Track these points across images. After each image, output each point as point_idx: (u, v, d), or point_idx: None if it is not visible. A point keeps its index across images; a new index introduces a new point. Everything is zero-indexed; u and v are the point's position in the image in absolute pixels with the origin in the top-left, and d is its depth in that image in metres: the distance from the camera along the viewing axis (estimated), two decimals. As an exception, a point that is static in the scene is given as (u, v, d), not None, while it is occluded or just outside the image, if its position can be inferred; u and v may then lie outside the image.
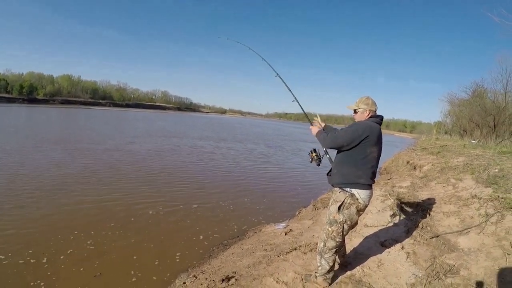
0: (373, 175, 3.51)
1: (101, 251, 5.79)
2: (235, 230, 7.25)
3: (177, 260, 5.72)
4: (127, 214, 7.54)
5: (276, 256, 4.88)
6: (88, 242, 6.04)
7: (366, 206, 3.53)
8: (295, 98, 4.78)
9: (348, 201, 3.41)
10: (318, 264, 3.72)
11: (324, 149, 3.93)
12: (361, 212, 3.54)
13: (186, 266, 5.49)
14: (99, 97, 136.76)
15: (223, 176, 12.69)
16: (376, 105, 3.57)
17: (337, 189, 3.52)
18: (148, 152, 16.86)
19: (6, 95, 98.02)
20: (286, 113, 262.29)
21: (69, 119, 42.49)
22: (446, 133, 23.67)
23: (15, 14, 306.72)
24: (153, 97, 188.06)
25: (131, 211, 7.71)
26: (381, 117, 3.61)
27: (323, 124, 4.06)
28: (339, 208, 3.44)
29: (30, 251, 5.53)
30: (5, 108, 54.86)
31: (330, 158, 3.89)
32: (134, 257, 5.66)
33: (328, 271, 3.68)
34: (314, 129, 3.88)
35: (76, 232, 6.40)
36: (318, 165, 3.99)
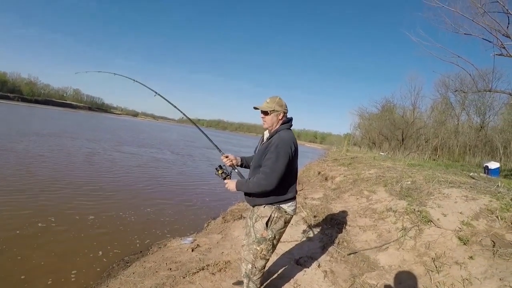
0: (296, 183, 3.21)
1: None
2: (137, 245, 6.56)
3: (73, 280, 4.99)
4: (11, 226, 6.57)
5: (181, 277, 4.38)
6: None
7: (292, 217, 3.20)
8: (184, 114, 4.43)
9: (276, 215, 3.06)
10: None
11: (229, 164, 3.50)
12: (287, 224, 3.19)
13: (81, 287, 4.81)
14: (8, 90, 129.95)
15: (123, 184, 11.69)
16: (287, 107, 3.22)
17: (260, 205, 3.14)
18: (39, 155, 15.21)
19: None
20: (199, 119, 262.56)
21: None
22: (355, 144, 24.66)
23: None
24: (64, 95, 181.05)
25: (15, 224, 6.70)
26: (292, 120, 3.27)
27: (238, 159, 3.58)
28: (266, 224, 3.06)
29: None
30: None
31: (240, 173, 3.46)
32: (22, 277, 4.86)
33: None
34: (231, 184, 3.24)
35: None
36: None
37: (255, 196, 3.13)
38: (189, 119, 4.30)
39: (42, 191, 9.07)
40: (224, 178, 3.38)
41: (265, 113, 3.16)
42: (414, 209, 5.46)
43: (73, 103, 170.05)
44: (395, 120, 22.98)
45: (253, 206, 3.24)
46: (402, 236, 4.76)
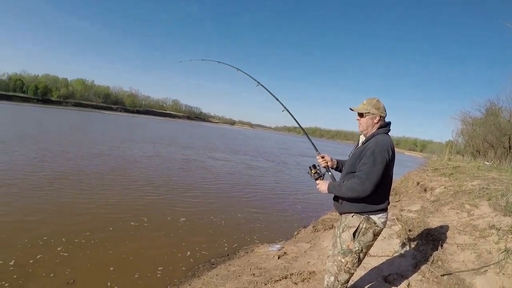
0: (389, 193, 3.00)
1: (75, 259, 5.39)
2: (225, 248, 6.68)
3: (158, 276, 5.26)
4: (105, 223, 7.07)
5: (263, 284, 4.34)
6: (59, 249, 5.63)
7: (382, 229, 2.98)
8: (285, 107, 4.14)
9: (364, 226, 2.88)
10: None
11: (324, 165, 3.33)
12: (376, 237, 2.98)
13: (166, 283, 5.04)
14: (111, 102, 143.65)
15: (215, 189, 12.00)
16: (386, 111, 2.98)
17: (348, 214, 2.97)
18: (138, 158, 16.52)
19: (21, 95, 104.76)
20: (295, 127, 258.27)
21: (84, 122, 43.13)
22: (458, 153, 22.95)
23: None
24: (164, 105, 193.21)
25: (110, 221, 7.22)
26: (390, 124, 3.03)
27: (334, 161, 3.42)
28: (354, 235, 2.89)
29: (-4, 251, 5.25)
30: (18, 107, 57.45)
31: (333, 176, 3.28)
32: (111, 269, 5.23)
33: None
34: (323, 185, 3.12)
35: (45, 238, 5.99)
36: None
37: (344, 202, 2.98)
38: (288, 111, 4.13)
39: (136, 194, 9.63)
40: (317, 179, 3.24)
41: (361, 115, 3.00)
42: (521, 228, 4.91)
43: (172, 112, 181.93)
44: (501, 125, 21.06)
45: (341, 214, 3.08)
46: (504, 259, 4.26)
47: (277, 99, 4.27)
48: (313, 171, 3.28)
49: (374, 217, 2.88)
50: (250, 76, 4.74)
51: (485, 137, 22.27)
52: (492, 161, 16.61)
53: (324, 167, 3.34)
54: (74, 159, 13.66)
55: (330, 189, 3.02)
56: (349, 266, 2.96)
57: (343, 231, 2.98)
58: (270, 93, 4.40)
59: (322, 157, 3.37)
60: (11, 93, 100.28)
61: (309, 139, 3.92)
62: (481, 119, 24.26)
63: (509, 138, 19.82)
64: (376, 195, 2.80)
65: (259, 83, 4.57)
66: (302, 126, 4.11)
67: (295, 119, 4.15)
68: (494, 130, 21.41)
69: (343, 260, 2.96)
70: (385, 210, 2.93)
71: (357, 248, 2.91)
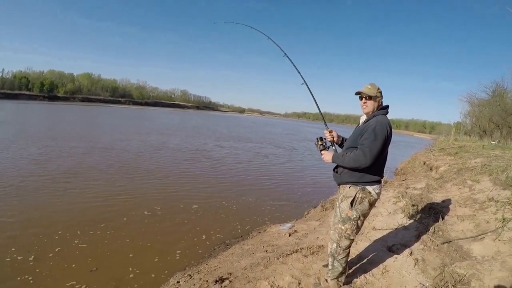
0: (384, 167, 3.30)
1: (93, 249, 5.68)
2: (239, 230, 7.02)
3: (177, 258, 5.61)
4: (117, 214, 7.32)
5: (275, 258, 4.62)
6: (76, 242, 5.91)
7: (377, 200, 3.28)
8: (304, 81, 4.37)
9: (360, 195, 3.18)
10: (330, 267, 3.50)
11: (330, 139, 3.62)
12: (372, 206, 3.28)
13: (184, 264, 5.37)
14: (119, 95, 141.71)
15: (225, 176, 12.30)
16: None
17: (346, 184, 3.27)
18: (145, 150, 16.80)
19: (27, 92, 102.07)
20: (305, 113, 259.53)
21: (91, 116, 43.60)
22: (465, 134, 23.08)
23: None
24: (172, 96, 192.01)
25: (122, 212, 7.48)
26: (388, 107, 3.33)
27: (340, 138, 3.71)
28: (351, 203, 3.20)
29: (13, 249, 5.44)
30: (25, 105, 57.36)
31: (336, 150, 3.58)
32: (131, 255, 5.56)
33: (341, 273, 3.48)
34: (327, 155, 3.42)
35: (60, 232, 6.24)
36: None
37: (343, 173, 3.27)
38: (307, 85, 4.37)
39: (146, 185, 9.88)
40: (322, 150, 3.51)
41: (369, 97, 3.26)
42: (518, 199, 5.16)
43: (181, 103, 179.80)
44: (506, 106, 21.09)
45: (339, 185, 3.37)
46: (500, 227, 4.53)
47: (298, 72, 4.49)
48: (319, 143, 3.55)
49: (369, 188, 3.18)
50: (278, 46, 5.02)
51: (491, 118, 22.33)
52: (498, 140, 16.77)
53: (329, 141, 3.62)
54: (80, 155, 13.81)
55: (334, 159, 3.32)
56: (348, 232, 3.28)
57: (341, 201, 3.28)
58: (294, 65, 4.66)
59: (330, 132, 3.66)
60: (16, 91, 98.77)
61: (321, 113, 4.21)
62: (487, 100, 24.31)
63: (514, 118, 19.88)
64: (372, 168, 3.10)
65: (285, 54, 4.84)
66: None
67: (311, 93, 4.34)
68: (499, 111, 21.48)
69: (343, 228, 3.28)
70: (379, 182, 3.24)
71: (355, 216, 3.22)
